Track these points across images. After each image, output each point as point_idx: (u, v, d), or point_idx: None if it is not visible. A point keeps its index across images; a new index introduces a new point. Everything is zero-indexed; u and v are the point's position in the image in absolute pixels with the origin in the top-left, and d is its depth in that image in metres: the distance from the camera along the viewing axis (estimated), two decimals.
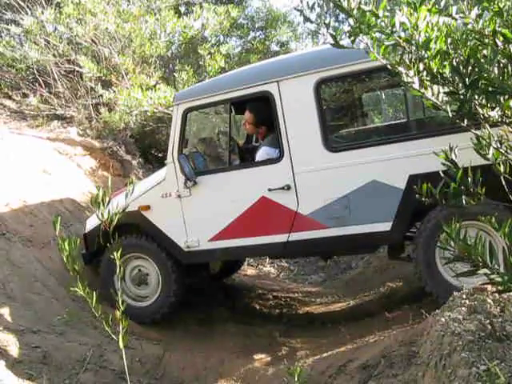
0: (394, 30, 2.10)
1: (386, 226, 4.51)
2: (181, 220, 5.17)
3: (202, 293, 6.38)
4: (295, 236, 4.82)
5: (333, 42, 2.27)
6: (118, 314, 2.53)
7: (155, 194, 5.28)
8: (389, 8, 2.12)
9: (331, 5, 11.63)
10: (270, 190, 4.81)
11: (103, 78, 8.75)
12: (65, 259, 2.50)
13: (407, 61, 2.13)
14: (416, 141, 4.38)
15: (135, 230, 5.42)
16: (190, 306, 5.93)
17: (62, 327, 4.93)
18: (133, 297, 5.59)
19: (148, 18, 9.42)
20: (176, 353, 5.00)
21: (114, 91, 8.32)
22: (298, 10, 2.35)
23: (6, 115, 9.09)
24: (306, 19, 2.38)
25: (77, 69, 9.12)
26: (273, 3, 11.89)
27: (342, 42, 2.30)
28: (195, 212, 5.15)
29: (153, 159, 9.35)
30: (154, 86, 8.41)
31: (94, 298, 2.54)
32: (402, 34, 2.13)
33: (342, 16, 11.96)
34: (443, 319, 2.81)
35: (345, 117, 5.87)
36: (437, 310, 3.09)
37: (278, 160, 4.83)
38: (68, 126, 8.90)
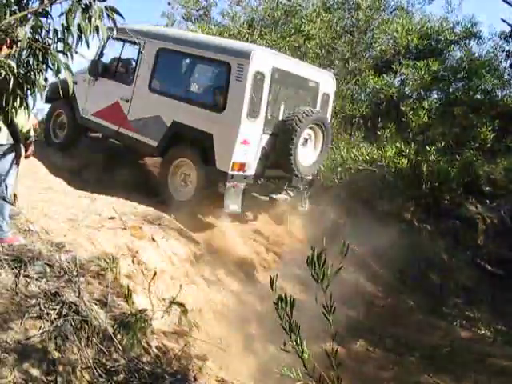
0: None
1: (155, 143, 7.68)
2: (85, 96, 8.52)
3: None
4: (122, 129, 8.09)
5: None
6: (333, 374, 2.52)
7: (82, 77, 8.32)
8: None
9: None
10: (120, 98, 8.05)
11: None
12: (280, 321, 2.57)
13: None
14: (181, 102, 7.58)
15: None
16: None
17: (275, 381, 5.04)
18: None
19: (348, 79, 9.71)
20: None
21: None
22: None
23: None
24: None
25: None
26: (475, 51, 11.36)
27: None
28: (91, 96, 8.49)
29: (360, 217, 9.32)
30: (358, 144, 8.53)
31: (307, 354, 2.57)
32: None
33: None
34: None
35: (164, 74, 8.12)
36: None
37: (129, 83, 8.05)
38: None
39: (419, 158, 8.46)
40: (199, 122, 7.16)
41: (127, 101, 7.93)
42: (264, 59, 7.04)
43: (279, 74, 7.21)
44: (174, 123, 7.41)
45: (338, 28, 10.70)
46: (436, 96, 10.96)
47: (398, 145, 8.33)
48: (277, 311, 2.57)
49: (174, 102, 7.54)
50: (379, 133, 8.85)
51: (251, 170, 7.25)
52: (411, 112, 9.05)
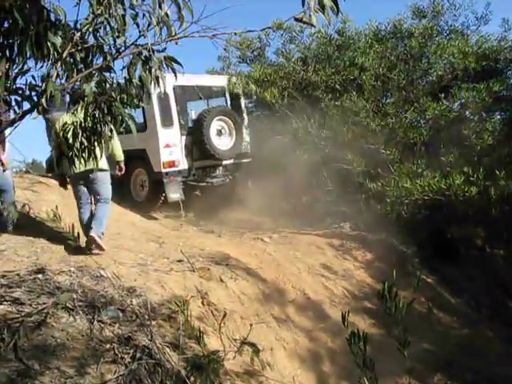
0: None
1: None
2: None
3: None
4: None
5: None
6: None
7: None
8: None
9: None
10: None
11: (371, 171, 9.00)
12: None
13: None
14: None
15: None
16: None
17: None
18: None
19: (407, 107, 9.60)
20: None
21: (382, 183, 8.46)
22: None
23: None
24: None
25: (344, 166, 9.53)
26: None
27: None
28: None
29: (428, 247, 9.09)
30: (421, 172, 8.35)
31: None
32: None
33: None
34: None
35: None
36: None
37: None
38: (341, 222, 9.28)
39: (488, 183, 8.16)
40: (136, 143, 8.39)
41: None
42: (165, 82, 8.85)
43: (182, 89, 9.20)
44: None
45: (392, 57, 10.59)
46: (499, 117, 10.64)
47: (465, 169, 8.07)
48: (350, 347, 2.52)
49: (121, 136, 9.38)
50: (443, 159, 8.64)
51: (183, 165, 9.29)
52: (474, 135, 8.83)
